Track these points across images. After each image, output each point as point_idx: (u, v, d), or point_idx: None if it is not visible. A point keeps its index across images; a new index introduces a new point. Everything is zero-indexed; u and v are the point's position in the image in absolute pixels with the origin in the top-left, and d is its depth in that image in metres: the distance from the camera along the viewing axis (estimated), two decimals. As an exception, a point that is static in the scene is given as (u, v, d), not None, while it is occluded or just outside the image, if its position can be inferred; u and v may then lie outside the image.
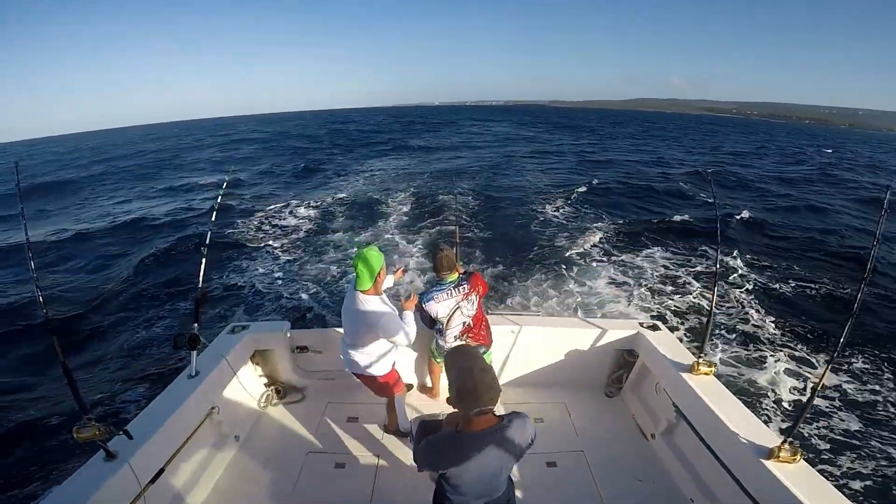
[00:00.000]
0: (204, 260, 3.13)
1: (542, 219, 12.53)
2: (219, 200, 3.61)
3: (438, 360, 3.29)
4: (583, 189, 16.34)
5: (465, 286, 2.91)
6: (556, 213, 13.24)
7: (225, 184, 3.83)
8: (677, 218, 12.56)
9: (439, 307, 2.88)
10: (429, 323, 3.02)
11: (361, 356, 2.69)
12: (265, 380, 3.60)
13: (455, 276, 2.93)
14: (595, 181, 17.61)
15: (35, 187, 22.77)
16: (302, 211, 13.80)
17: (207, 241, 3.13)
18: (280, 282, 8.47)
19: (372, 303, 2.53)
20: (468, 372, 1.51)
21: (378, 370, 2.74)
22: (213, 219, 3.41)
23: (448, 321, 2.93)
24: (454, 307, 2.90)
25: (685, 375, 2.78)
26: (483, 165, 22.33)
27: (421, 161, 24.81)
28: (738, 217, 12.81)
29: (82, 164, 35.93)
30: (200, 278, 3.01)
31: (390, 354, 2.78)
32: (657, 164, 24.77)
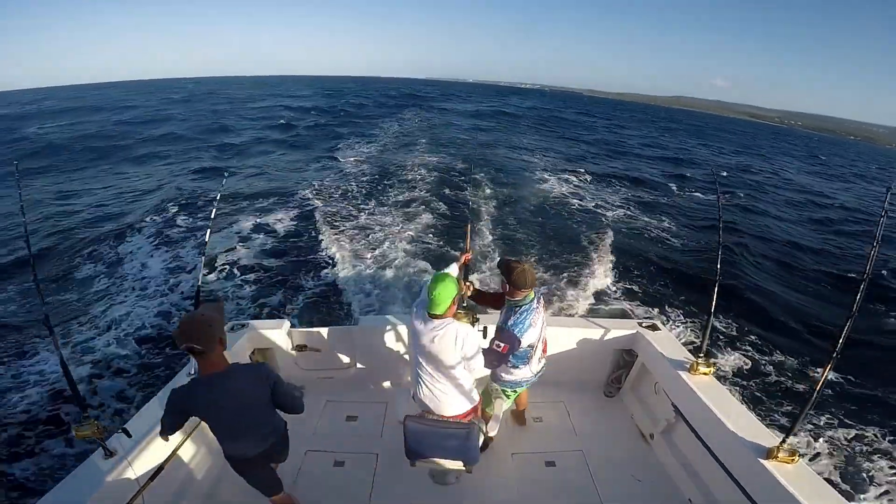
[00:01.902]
0: (203, 256, 3.13)
1: (547, 205, 12.51)
2: (218, 197, 3.61)
3: (504, 397, 2.79)
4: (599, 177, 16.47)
5: (541, 299, 2.53)
6: (561, 197, 13.23)
7: (224, 180, 3.83)
8: (679, 217, 12.57)
9: (534, 332, 2.46)
10: (502, 360, 2.49)
11: (447, 393, 2.33)
12: None
13: (532, 293, 2.47)
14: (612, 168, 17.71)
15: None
16: (305, 204, 13.75)
17: (207, 238, 3.14)
18: (280, 279, 8.45)
19: (451, 326, 2.22)
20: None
21: (466, 405, 2.40)
22: (212, 216, 3.41)
23: (537, 346, 2.55)
24: (542, 327, 2.53)
25: (684, 375, 2.78)
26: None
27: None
28: (739, 213, 12.85)
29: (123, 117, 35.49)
30: (199, 275, 3.01)
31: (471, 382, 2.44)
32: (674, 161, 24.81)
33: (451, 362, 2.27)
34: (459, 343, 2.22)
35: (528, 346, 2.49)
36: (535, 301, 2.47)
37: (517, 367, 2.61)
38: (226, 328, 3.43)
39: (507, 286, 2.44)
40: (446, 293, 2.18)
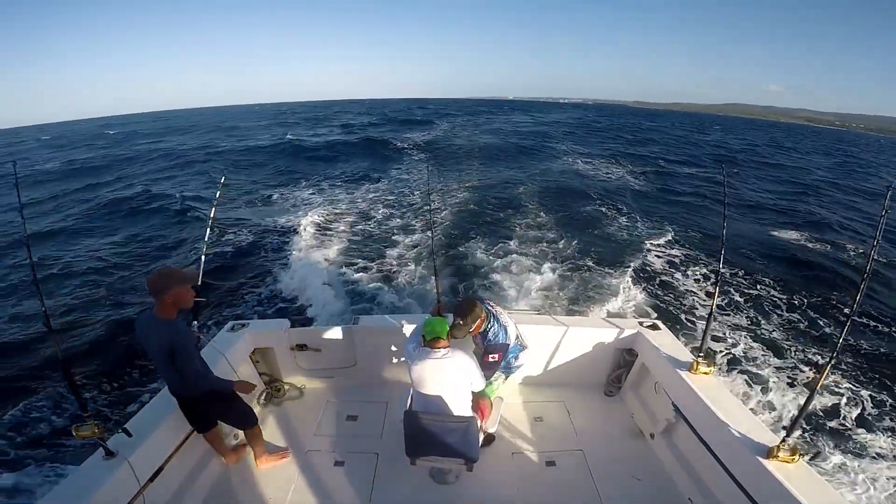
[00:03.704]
0: (203, 256, 3.13)
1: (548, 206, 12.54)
2: (218, 195, 3.61)
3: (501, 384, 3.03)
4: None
5: (492, 304, 2.84)
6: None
7: (223, 179, 3.83)
8: (681, 217, 12.57)
9: (513, 328, 2.77)
10: (499, 366, 2.81)
11: (454, 404, 2.46)
12: (265, 378, 3.60)
13: (483, 310, 2.67)
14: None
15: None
16: (311, 204, 13.76)
17: (206, 238, 3.14)
18: (280, 279, 8.45)
19: (453, 353, 2.40)
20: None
21: (466, 412, 2.52)
22: (211, 215, 3.41)
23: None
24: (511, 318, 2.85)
25: (685, 375, 2.78)
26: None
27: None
28: (743, 213, 12.85)
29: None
30: (200, 275, 3.01)
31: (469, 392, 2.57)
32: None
33: (457, 384, 2.41)
34: (466, 369, 2.40)
35: (516, 338, 2.81)
36: (493, 310, 2.73)
37: (517, 357, 2.90)
38: (225, 329, 3.45)
39: (473, 329, 2.63)
40: (440, 323, 2.46)
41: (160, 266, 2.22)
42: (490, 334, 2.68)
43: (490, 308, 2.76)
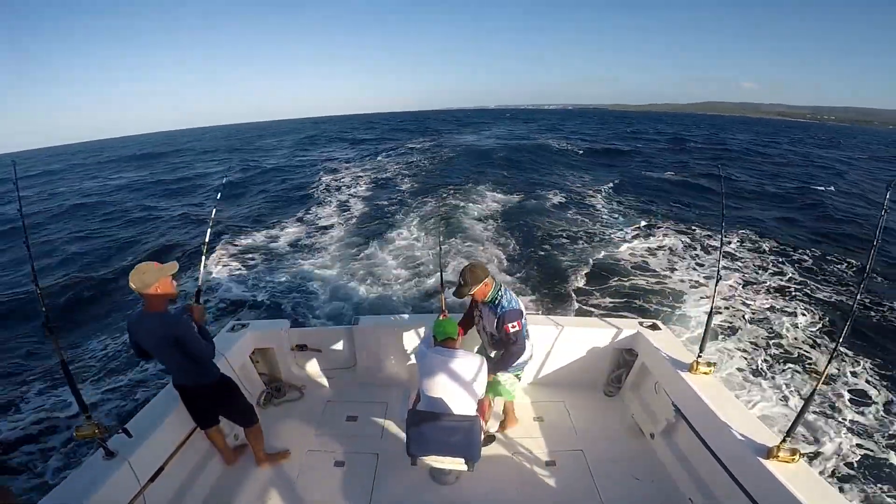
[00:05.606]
0: (203, 257, 3.14)
1: (546, 206, 12.54)
2: (219, 196, 3.62)
3: (512, 387, 2.98)
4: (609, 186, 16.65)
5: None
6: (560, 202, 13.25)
7: (223, 179, 3.84)
8: (681, 217, 12.56)
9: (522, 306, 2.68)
10: (523, 337, 2.72)
11: (460, 404, 2.45)
12: (264, 378, 3.61)
13: (493, 281, 2.62)
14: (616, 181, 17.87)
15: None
16: (312, 206, 13.78)
17: (207, 239, 3.14)
18: (280, 280, 8.46)
19: (466, 354, 2.41)
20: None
21: (473, 410, 2.50)
22: (212, 215, 3.42)
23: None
24: None
25: (685, 375, 2.78)
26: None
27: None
28: (740, 211, 12.85)
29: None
30: (200, 276, 3.02)
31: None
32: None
33: (467, 384, 2.38)
34: (477, 370, 2.39)
35: (524, 317, 2.71)
36: (500, 285, 2.67)
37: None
38: (225, 329, 3.46)
39: (474, 291, 2.59)
40: (451, 324, 2.49)
41: (139, 263, 2.27)
42: (504, 301, 2.60)
43: (499, 285, 2.68)
